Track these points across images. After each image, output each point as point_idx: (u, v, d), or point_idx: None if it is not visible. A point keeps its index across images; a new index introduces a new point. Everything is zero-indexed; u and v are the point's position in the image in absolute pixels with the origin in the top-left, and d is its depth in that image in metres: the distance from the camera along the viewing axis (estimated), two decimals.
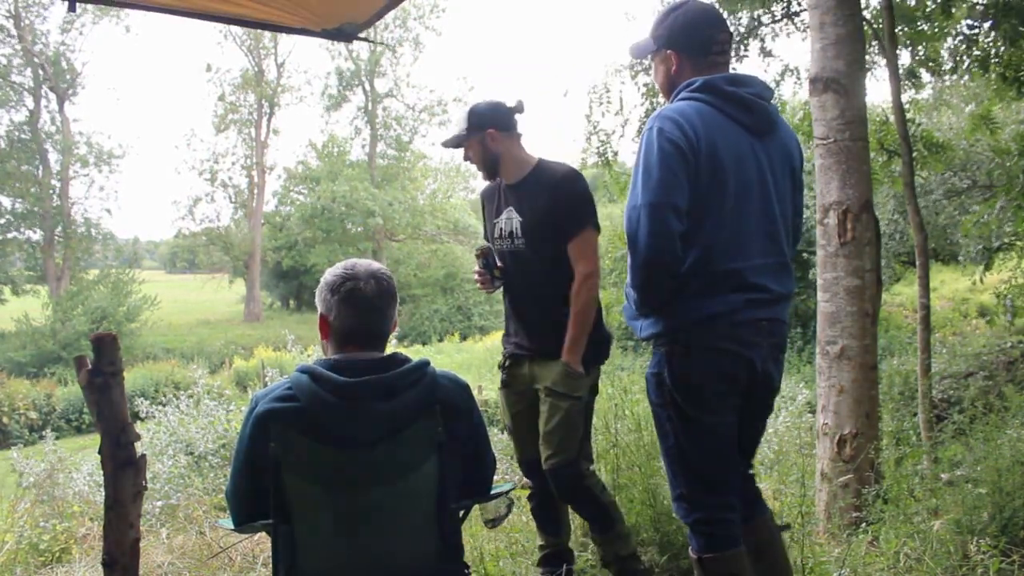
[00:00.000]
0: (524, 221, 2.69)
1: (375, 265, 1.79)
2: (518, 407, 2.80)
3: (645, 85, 7.76)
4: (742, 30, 7.28)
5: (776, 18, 7.33)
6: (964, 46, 6.33)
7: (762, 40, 7.38)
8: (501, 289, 2.83)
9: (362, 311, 1.72)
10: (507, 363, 2.81)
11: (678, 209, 1.95)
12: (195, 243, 36.23)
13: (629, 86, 8.68)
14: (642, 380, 2.34)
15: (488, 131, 2.68)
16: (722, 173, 1.99)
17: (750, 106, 2.07)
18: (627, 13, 14.93)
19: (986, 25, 5.88)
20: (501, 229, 2.77)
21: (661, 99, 7.65)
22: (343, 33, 2.56)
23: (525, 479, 2.87)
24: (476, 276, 2.81)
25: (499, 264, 2.77)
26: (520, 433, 2.81)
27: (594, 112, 8.12)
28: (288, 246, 33.79)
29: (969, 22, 5.95)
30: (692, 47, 2.10)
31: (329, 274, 1.77)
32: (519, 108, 2.75)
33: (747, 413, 2.14)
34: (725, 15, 7.22)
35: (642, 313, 2.09)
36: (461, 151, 2.79)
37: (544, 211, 2.63)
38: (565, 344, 2.58)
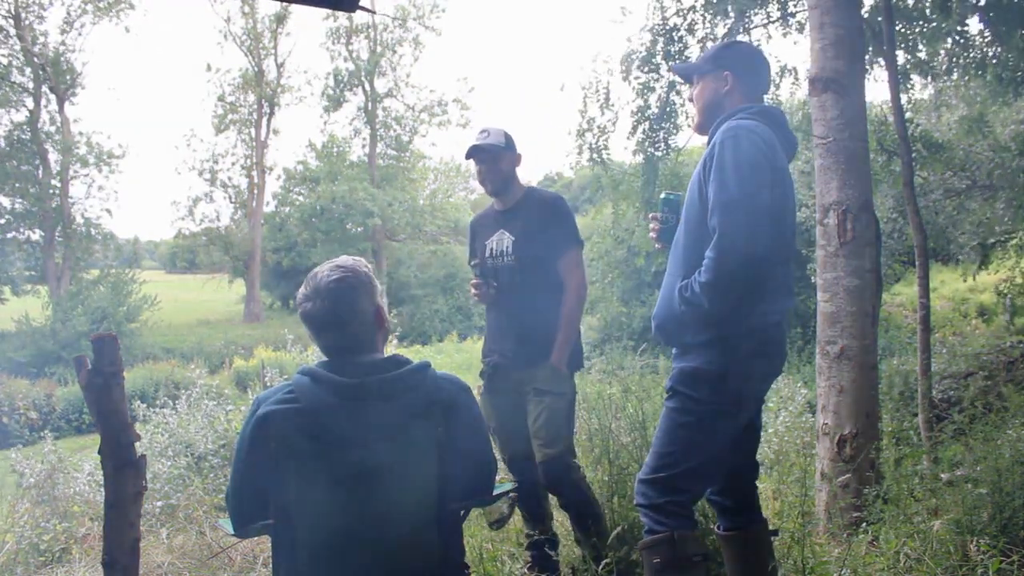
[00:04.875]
0: (516, 240, 3.01)
1: (332, 275, 1.71)
2: (503, 407, 3.04)
3: (636, 79, 7.72)
4: (736, 29, 7.28)
5: (772, 19, 7.33)
6: (960, 48, 6.33)
7: (754, 41, 7.36)
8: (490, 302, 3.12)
9: (319, 331, 1.72)
10: (491, 370, 3.09)
11: (770, 209, 2.12)
12: (195, 243, 36.16)
13: (618, 79, 8.64)
14: (643, 380, 2.40)
15: (518, 154, 3.12)
16: (782, 187, 2.20)
17: (789, 138, 2.33)
18: (623, 8, 15.01)
19: (981, 25, 5.88)
20: (492, 249, 3.09)
21: (653, 99, 7.67)
22: None
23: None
24: (472, 287, 3.10)
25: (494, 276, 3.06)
26: (505, 432, 3.05)
27: (590, 108, 8.08)
28: (288, 246, 33.77)
29: (975, 22, 5.95)
30: (750, 77, 2.34)
31: (303, 285, 1.75)
32: None
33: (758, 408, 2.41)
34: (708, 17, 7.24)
35: (713, 311, 2.11)
36: (461, 153, 3.11)
37: (535, 232, 2.98)
38: (555, 345, 2.89)
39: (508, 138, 3.09)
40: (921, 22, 6.26)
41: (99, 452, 1.88)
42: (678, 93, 7.66)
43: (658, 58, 7.53)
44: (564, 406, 2.90)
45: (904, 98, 6.21)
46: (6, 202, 28.07)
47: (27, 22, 27.83)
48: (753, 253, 2.05)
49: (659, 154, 7.70)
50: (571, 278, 2.96)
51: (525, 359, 2.96)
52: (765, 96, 2.47)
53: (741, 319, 2.14)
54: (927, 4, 6.12)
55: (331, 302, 1.69)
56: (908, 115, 6.11)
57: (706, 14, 7.33)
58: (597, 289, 17.24)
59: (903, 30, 6.26)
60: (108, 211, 34.15)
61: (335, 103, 35.42)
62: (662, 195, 2.51)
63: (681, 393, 2.21)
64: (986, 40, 6.12)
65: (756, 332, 2.18)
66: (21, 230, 28.70)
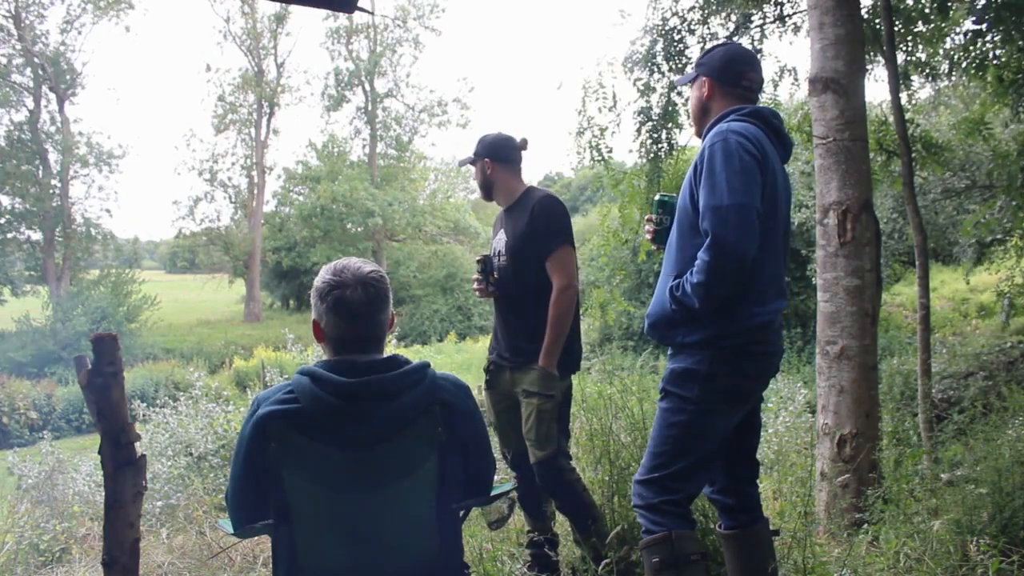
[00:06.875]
0: (507, 241, 3.00)
1: (366, 268, 1.73)
2: (501, 406, 3.09)
3: (639, 79, 7.70)
4: (732, 28, 7.27)
5: (768, 20, 7.32)
6: (961, 49, 6.32)
7: (752, 40, 7.35)
8: (493, 300, 3.15)
9: (351, 319, 1.69)
10: (491, 367, 3.11)
11: (760, 212, 2.11)
12: (195, 243, 36.19)
13: (621, 80, 8.61)
14: (643, 380, 2.39)
15: (485, 159, 3.07)
16: (772, 190, 2.20)
17: (783, 139, 2.33)
18: (622, 11, 14.81)
19: (983, 26, 5.87)
20: (494, 247, 3.13)
21: (654, 99, 7.66)
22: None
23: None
24: (475, 283, 3.12)
25: (495, 274, 3.08)
26: (503, 429, 3.11)
27: (588, 107, 8.04)
28: (288, 246, 33.79)
29: (971, 23, 5.94)
30: (724, 77, 2.34)
31: (319, 279, 1.73)
32: (522, 145, 3.12)
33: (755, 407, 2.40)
34: (713, 13, 7.23)
35: (703, 311, 2.13)
36: (461, 153, 3.19)
37: (523, 232, 2.96)
38: (542, 348, 2.87)
39: (477, 145, 3.10)
40: (921, 22, 6.25)
41: (99, 452, 1.88)
42: (679, 93, 7.65)
43: (659, 58, 7.51)
44: (551, 408, 2.88)
45: (904, 98, 6.21)
46: (6, 202, 28.12)
47: (27, 22, 27.84)
48: (744, 256, 2.06)
49: (663, 155, 7.68)
50: (557, 277, 2.91)
51: (517, 359, 2.97)
52: (761, 94, 2.47)
53: (731, 319, 2.16)
54: (927, 4, 6.11)
55: (373, 291, 1.70)
56: (908, 115, 6.10)
57: (701, 19, 7.31)
58: (603, 291, 17.19)
59: (903, 30, 6.26)
60: (108, 211, 34.32)
61: (335, 103, 35.45)
62: (656, 197, 2.52)
63: (673, 393, 2.24)
64: (986, 40, 6.11)
65: (746, 332, 2.19)
66: (21, 230, 28.72)
